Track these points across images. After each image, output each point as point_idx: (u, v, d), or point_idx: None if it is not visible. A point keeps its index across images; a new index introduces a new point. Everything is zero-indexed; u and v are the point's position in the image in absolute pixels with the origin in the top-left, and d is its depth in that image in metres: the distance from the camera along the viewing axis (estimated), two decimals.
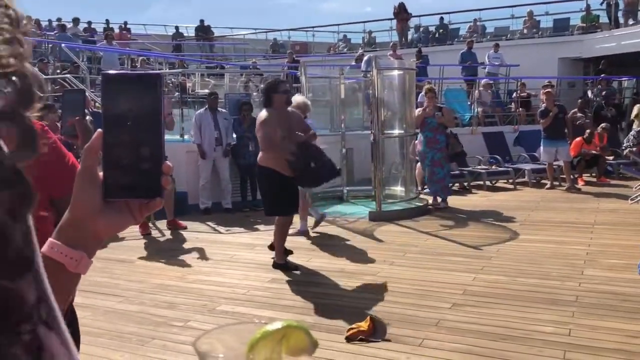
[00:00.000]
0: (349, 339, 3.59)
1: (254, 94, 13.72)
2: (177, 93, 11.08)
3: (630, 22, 15.74)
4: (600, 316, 3.92)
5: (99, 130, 0.71)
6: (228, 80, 13.96)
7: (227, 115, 8.60)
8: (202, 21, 21.98)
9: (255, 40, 24.60)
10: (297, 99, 5.93)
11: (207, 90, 10.94)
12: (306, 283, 4.93)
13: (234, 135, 8.53)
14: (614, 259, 5.32)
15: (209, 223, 7.70)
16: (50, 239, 0.70)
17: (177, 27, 22.53)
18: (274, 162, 5.06)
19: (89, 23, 20.95)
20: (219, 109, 8.55)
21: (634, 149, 9.93)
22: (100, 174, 0.71)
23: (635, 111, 12.18)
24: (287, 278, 5.09)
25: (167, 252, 6.22)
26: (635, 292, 4.18)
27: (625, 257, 5.20)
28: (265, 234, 7.00)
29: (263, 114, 5.17)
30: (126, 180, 0.70)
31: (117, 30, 19.96)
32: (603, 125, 11.05)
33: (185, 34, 22.93)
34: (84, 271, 0.72)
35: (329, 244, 6.33)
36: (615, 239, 6.12)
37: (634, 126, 11.84)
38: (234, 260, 5.84)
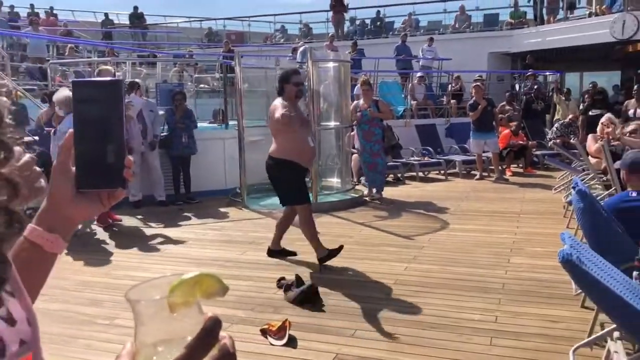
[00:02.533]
0: (262, 332, 3.58)
1: (189, 83, 13.45)
2: None
3: (559, 17, 16.40)
4: (525, 302, 4.08)
5: (71, 130, 0.82)
6: (160, 70, 13.59)
7: (154, 106, 8.35)
8: (135, 8, 21.25)
9: (189, 29, 24.04)
10: (58, 95, 5.85)
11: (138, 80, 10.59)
12: (239, 277, 4.86)
13: (165, 127, 8.29)
14: (538, 246, 5.55)
15: (139, 216, 7.47)
16: (30, 225, 0.83)
17: (106, 14, 21.71)
18: (291, 153, 4.96)
19: (12, 7, 19.84)
20: (146, 99, 8.29)
21: (558, 140, 10.40)
22: (73, 168, 0.83)
23: (556, 104, 12.76)
24: (221, 272, 5.00)
25: (94, 247, 5.99)
26: (556, 279, 4.36)
27: (548, 245, 5.42)
28: (199, 227, 6.89)
29: (277, 103, 5.03)
30: (94, 173, 0.83)
31: (43, 16, 18.98)
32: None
33: (115, 21, 22.11)
34: (59, 251, 0.86)
35: (264, 237, 6.26)
36: (540, 228, 6.38)
37: (557, 118, 12.42)
38: (165, 254, 5.70)
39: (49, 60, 11.79)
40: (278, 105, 4.96)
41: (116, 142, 0.83)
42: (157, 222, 7.19)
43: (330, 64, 9.05)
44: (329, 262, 5.14)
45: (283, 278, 4.60)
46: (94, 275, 4.97)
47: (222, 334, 0.62)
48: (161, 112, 8.56)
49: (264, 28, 23.15)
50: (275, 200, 8.60)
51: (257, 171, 9.25)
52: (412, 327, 3.68)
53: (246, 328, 3.73)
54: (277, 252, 5.40)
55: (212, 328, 0.61)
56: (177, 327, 0.61)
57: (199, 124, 8.98)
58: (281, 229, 5.45)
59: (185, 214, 7.71)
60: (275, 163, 5.10)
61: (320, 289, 4.36)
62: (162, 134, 8.33)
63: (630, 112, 10.11)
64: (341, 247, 5.09)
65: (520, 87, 15.14)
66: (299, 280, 4.38)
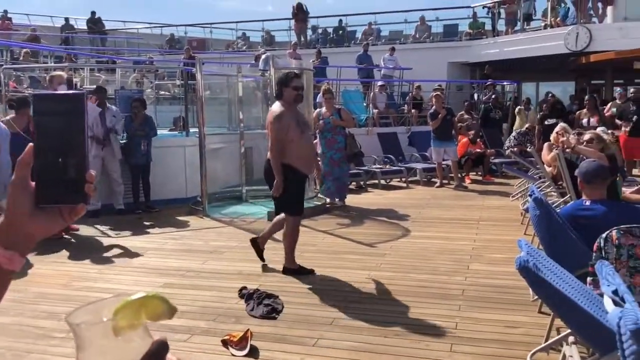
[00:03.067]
0: (223, 343, 3.54)
1: (148, 90, 13.26)
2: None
3: (516, 29, 16.81)
4: (484, 308, 4.15)
5: (31, 144, 0.81)
6: (120, 76, 13.38)
7: (117, 112, 8.20)
8: (93, 13, 20.85)
9: (150, 35, 23.74)
10: None
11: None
12: (200, 287, 4.79)
13: (125, 134, 8.15)
14: (497, 253, 5.66)
15: (97, 226, 7.30)
16: None
17: (67, 19, 21.25)
18: (288, 157, 4.80)
19: None
20: (109, 105, 8.14)
21: (515, 149, 10.65)
22: (33, 183, 0.81)
23: (516, 114, 13.10)
24: (183, 282, 4.94)
25: (51, 257, 5.81)
26: (514, 285, 4.45)
27: (505, 251, 5.53)
28: (159, 237, 6.78)
29: (276, 108, 4.88)
30: (55, 189, 0.80)
31: None
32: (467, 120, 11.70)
33: (75, 27, 21.65)
34: (17, 268, 0.82)
35: (226, 246, 6.21)
36: (498, 234, 6.51)
37: (515, 126, 12.74)
38: (125, 265, 5.58)
39: (2, 65, 11.45)
40: (275, 111, 4.85)
41: (77, 156, 0.81)
42: (116, 232, 7.04)
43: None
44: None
45: (245, 287, 4.56)
46: (50, 286, 4.82)
47: (169, 357, 0.60)
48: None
49: (226, 35, 23.06)
50: (237, 208, 8.63)
51: (219, 179, 9.23)
52: (374, 335, 3.69)
53: (208, 339, 3.68)
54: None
55: (157, 352, 0.59)
56: (121, 352, 0.59)
57: (159, 132, 8.86)
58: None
59: (145, 223, 7.58)
60: (270, 167, 4.94)
61: (282, 298, 4.35)
62: (121, 142, 8.18)
63: (584, 121, 10.47)
64: (312, 271, 5.02)
65: (479, 96, 15.48)
66: (260, 292, 4.35)
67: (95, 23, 20.76)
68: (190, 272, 5.25)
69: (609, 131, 7.47)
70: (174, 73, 15.31)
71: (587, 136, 5.51)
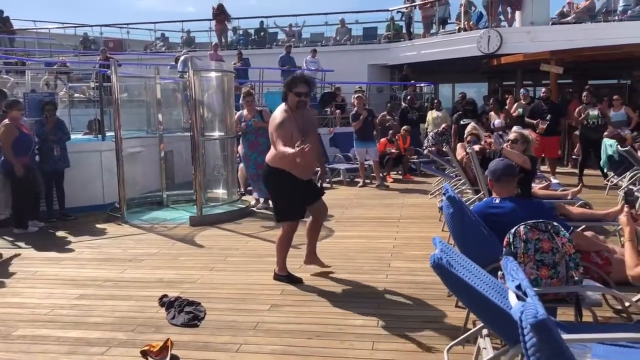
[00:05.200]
0: (143, 354, 3.44)
1: (61, 92, 12.66)
2: None
3: (432, 32, 17.36)
4: (404, 305, 4.26)
5: None
6: (30, 78, 12.69)
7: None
8: (0, 12, 19.66)
9: (62, 36, 22.68)
10: None
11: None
12: (118, 297, 4.63)
13: (36, 139, 7.74)
14: (416, 250, 5.82)
15: (6, 237, 6.89)
16: None
17: None
18: (284, 161, 4.65)
19: None
20: None
21: (433, 148, 11.01)
22: None
23: (428, 117, 13.53)
24: (99, 293, 4.75)
25: None
26: (433, 280, 4.58)
27: (425, 248, 5.71)
28: (74, 246, 6.48)
29: (278, 113, 4.74)
30: None
31: None
32: (405, 127, 12.13)
33: None
34: None
35: (146, 254, 6.03)
36: (418, 232, 6.71)
37: (429, 129, 13.17)
38: (36, 277, 5.29)
39: None
40: (277, 117, 4.73)
41: None
42: (27, 242, 6.67)
43: (213, 74, 8.93)
44: (219, 277, 5.11)
45: (165, 296, 4.45)
46: None
47: None
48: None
49: (144, 36, 22.39)
50: (157, 214, 8.41)
51: (138, 184, 8.97)
52: (297, 337, 3.70)
53: (126, 351, 3.55)
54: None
55: None
56: None
57: (73, 136, 8.48)
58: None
59: (60, 231, 7.23)
60: (270, 171, 4.87)
61: (205, 305, 4.27)
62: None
63: (497, 121, 10.96)
64: (300, 280, 4.92)
65: (398, 97, 15.87)
66: (182, 300, 4.26)
67: (3, 22, 19.59)
68: (108, 281, 5.06)
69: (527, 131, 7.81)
70: (89, 75, 14.70)
71: (512, 135, 5.74)
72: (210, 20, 19.47)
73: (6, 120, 7.09)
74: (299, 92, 4.76)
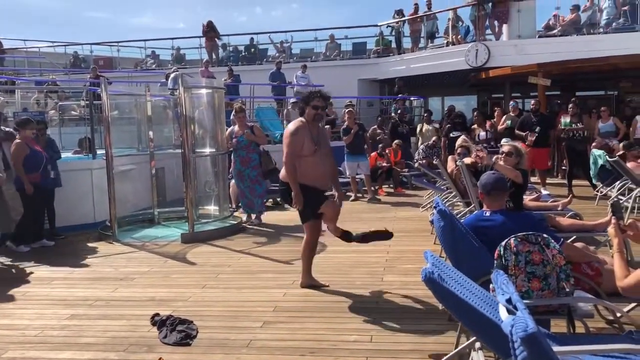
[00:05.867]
0: None
1: (51, 111, 12.65)
2: None
3: (421, 46, 17.50)
4: (398, 319, 4.25)
5: None
6: (20, 97, 12.67)
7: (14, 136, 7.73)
8: None
9: (53, 54, 22.68)
10: None
11: None
12: (110, 316, 4.59)
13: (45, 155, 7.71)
14: (409, 264, 5.83)
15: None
16: None
17: None
18: (300, 173, 4.86)
19: None
20: (5, 129, 7.69)
21: (423, 162, 11.07)
22: None
23: (418, 128, 13.60)
24: (91, 312, 4.71)
25: None
26: (426, 294, 4.58)
27: (417, 262, 5.70)
28: (65, 265, 6.43)
29: (292, 124, 4.98)
30: None
31: None
32: (397, 141, 12.17)
33: None
34: None
35: (137, 272, 6.00)
36: (410, 245, 6.71)
37: (419, 142, 13.23)
38: (26, 297, 5.24)
39: None
40: (290, 127, 4.96)
41: None
42: (18, 261, 6.62)
43: (204, 91, 8.95)
44: (211, 294, 5.09)
45: (157, 314, 4.42)
46: None
47: None
48: None
49: (134, 53, 22.41)
50: (148, 232, 8.37)
51: (129, 202, 8.93)
52: (290, 354, 3.68)
53: None
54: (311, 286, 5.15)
55: None
56: None
57: (63, 154, 8.46)
58: (311, 256, 5.25)
59: (50, 251, 7.18)
60: (287, 187, 5.00)
61: (197, 323, 4.25)
62: None
63: (480, 134, 11.03)
64: (327, 285, 5.12)
65: (390, 111, 15.96)
66: (174, 318, 4.23)
67: None
68: (99, 301, 5.02)
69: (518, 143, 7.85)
70: (80, 93, 14.70)
71: (505, 148, 5.76)
72: (200, 37, 19.56)
73: (17, 139, 7.21)
74: (316, 105, 5.02)
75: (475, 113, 12.32)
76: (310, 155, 4.91)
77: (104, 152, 7.92)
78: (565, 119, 10.17)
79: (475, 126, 11.40)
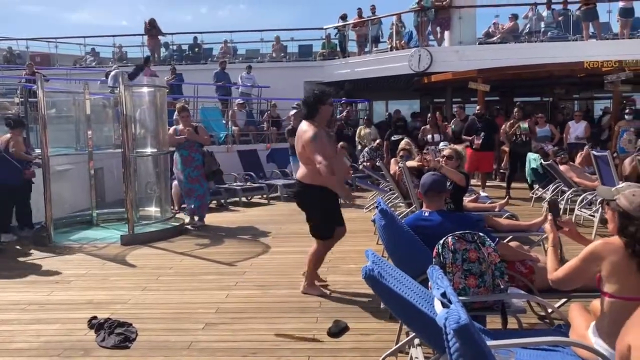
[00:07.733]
0: None
1: None
2: None
3: (366, 50, 17.72)
4: (340, 318, 4.26)
5: None
6: None
7: None
8: None
9: None
10: None
11: None
12: (45, 321, 4.42)
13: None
14: (352, 263, 5.89)
15: None
16: None
17: None
18: (325, 178, 4.64)
19: None
20: None
21: (367, 164, 11.20)
22: None
23: (357, 132, 13.75)
24: (23, 317, 4.52)
25: None
26: (366, 293, 4.66)
27: (360, 262, 5.72)
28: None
29: (308, 128, 4.67)
30: None
31: None
32: (342, 143, 12.26)
33: None
34: None
35: (74, 275, 5.80)
36: (354, 245, 6.74)
37: (360, 145, 13.40)
38: None
39: None
40: (309, 131, 4.65)
41: None
42: None
43: (145, 89, 8.76)
44: (151, 297, 4.97)
45: (95, 317, 4.29)
46: None
47: None
48: None
49: (73, 50, 21.65)
50: (86, 233, 8.11)
51: (66, 203, 8.63)
52: (232, 355, 3.65)
53: None
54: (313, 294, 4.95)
55: None
56: None
57: None
58: (318, 264, 5.12)
59: None
60: (305, 190, 4.84)
61: (137, 325, 4.15)
62: None
63: (429, 137, 11.29)
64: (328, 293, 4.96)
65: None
66: (112, 321, 4.12)
67: None
68: (33, 304, 4.82)
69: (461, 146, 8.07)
70: (13, 90, 14.08)
71: (446, 151, 5.92)
72: (142, 35, 19.11)
73: (8, 135, 7.53)
74: (332, 102, 4.88)
75: (429, 116, 12.48)
76: (331, 158, 4.76)
77: (40, 151, 7.62)
78: (524, 125, 10.49)
79: (426, 127, 11.65)
